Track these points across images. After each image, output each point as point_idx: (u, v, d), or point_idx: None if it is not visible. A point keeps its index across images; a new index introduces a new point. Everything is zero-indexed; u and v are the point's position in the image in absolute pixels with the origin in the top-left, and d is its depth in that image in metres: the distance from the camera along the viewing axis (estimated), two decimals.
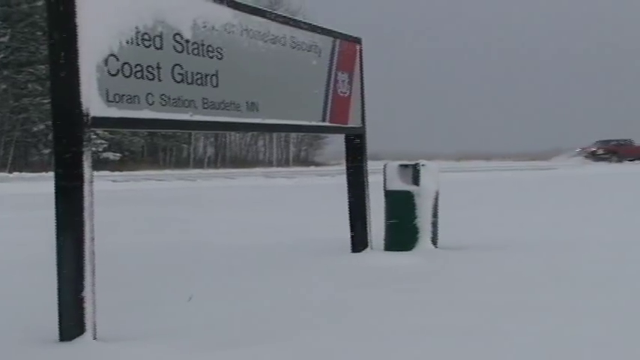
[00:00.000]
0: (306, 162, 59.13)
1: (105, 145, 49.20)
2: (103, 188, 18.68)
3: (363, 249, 7.03)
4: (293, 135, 52.37)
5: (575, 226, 9.44)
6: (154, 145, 56.11)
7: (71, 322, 3.81)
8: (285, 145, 61.13)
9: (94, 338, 3.85)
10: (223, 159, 57.81)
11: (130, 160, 51.07)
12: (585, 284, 5.42)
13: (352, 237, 7.07)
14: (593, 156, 51.46)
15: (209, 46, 5.00)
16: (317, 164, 56.60)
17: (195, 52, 4.88)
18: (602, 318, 4.31)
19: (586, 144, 56.47)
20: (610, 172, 29.90)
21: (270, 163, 57.09)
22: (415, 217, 7.17)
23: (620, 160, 48.98)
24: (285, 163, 58.23)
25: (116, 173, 36.31)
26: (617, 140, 54.09)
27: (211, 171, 43.75)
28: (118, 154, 50.20)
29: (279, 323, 4.33)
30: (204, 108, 4.92)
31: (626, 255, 6.82)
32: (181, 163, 54.86)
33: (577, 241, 7.76)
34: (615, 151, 51.62)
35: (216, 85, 5.03)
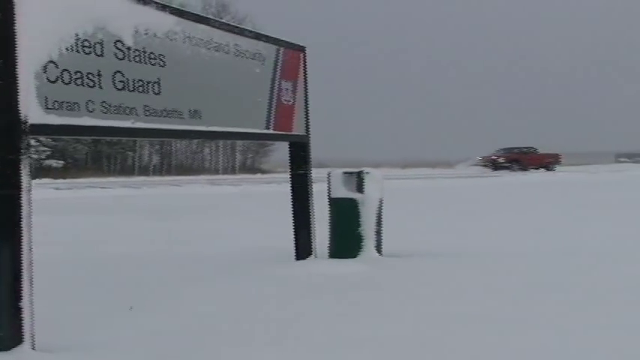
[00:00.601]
0: (252, 169, 58.96)
1: (48, 153, 48.42)
2: (45, 196, 18.40)
3: (307, 257, 7.04)
4: (239, 142, 52.21)
5: (510, 235, 9.61)
6: (97, 153, 55.40)
7: (9, 331, 3.75)
8: (232, 152, 60.86)
9: (33, 348, 3.79)
10: (169, 166, 57.34)
11: (73, 167, 50.33)
12: (518, 294, 5.50)
13: (296, 245, 7.08)
14: (494, 165, 49.45)
15: (151, 53, 4.97)
16: (263, 172, 56.46)
17: (137, 59, 4.84)
18: (528, 328, 4.36)
19: (490, 152, 53.89)
20: (505, 181, 29.85)
21: (216, 171, 56.77)
22: (359, 225, 7.20)
23: (523, 169, 47.56)
24: (232, 170, 57.97)
25: (59, 181, 35.75)
26: (519, 148, 51.91)
27: (156, 178, 43.35)
28: (61, 162, 49.44)
29: (215, 335, 4.29)
30: (146, 115, 4.88)
31: (561, 264, 6.93)
32: (126, 170, 54.24)
33: (513, 251, 7.88)
34: (517, 159, 49.70)
35: (159, 93, 5.00)
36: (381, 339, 4.12)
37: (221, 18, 52.50)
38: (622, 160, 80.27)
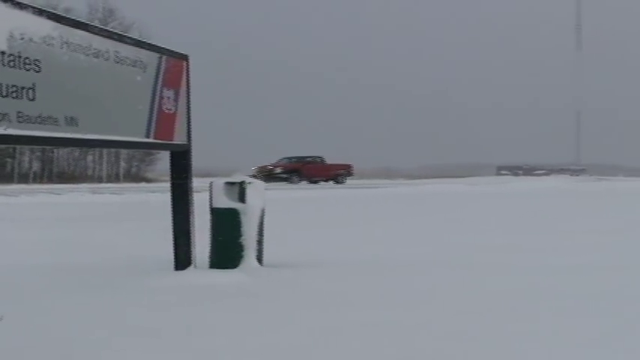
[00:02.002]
0: (137, 178, 57.89)
1: None
2: None
3: (186, 267, 6.98)
4: (124, 150, 51.25)
5: (387, 243, 9.82)
6: None
7: None
8: (116, 160, 59.60)
9: None
10: (50, 174, 55.63)
11: None
12: (400, 302, 5.63)
13: (175, 255, 7.02)
14: (270, 175, 42.05)
15: (26, 58, 4.86)
16: (148, 180, 55.52)
17: (11, 64, 4.73)
18: (408, 337, 4.47)
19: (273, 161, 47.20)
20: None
21: (99, 179, 55.49)
22: (241, 235, 7.21)
23: (312, 181, 43.64)
24: (116, 178, 56.75)
25: None
26: (302, 157, 46.48)
27: (36, 186, 41.96)
28: None
29: (89, 348, 4.21)
30: (20, 122, 4.76)
31: (448, 274, 7.13)
32: (4, 177, 52.26)
33: (390, 259, 8.06)
34: (298, 169, 44.35)
35: (33, 99, 4.89)
36: (249, 349, 4.14)
37: (108, 24, 51.56)
38: (503, 172, 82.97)
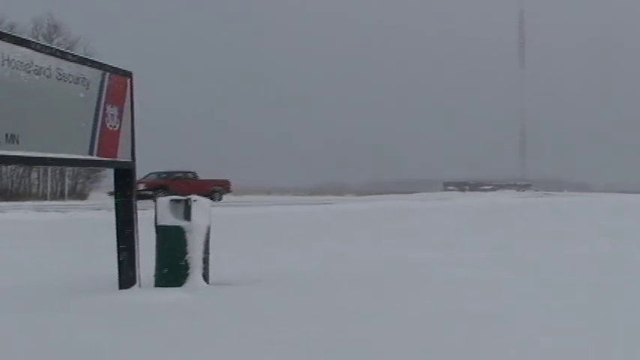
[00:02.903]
0: (82, 195, 57.13)
1: None
2: None
3: (130, 286, 6.91)
4: (69, 167, 50.58)
5: (330, 259, 9.89)
6: None
7: None
8: (61, 177, 58.68)
9: None
10: None
11: None
12: (343, 318, 5.65)
13: (120, 273, 6.93)
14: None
15: None
16: (94, 197, 54.86)
17: None
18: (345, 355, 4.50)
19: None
20: None
21: (44, 197, 54.61)
22: (186, 253, 7.15)
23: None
24: (61, 196, 55.91)
25: None
26: (171, 172, 42.77)
27: None
28: None
29: None
30: None
31: (376, 290, 7.18)
32: None
33: (327, 276, 8.10)
34: (164, 185, 39.99)
35: None
36: None
37: (52, 39, 50.91)
38: (450, 188, 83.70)
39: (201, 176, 43.87)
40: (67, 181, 59.04)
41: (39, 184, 58.85)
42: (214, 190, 41.50)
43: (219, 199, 40.30)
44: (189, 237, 7.17)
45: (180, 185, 39.31)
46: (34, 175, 58.57)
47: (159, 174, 42.18)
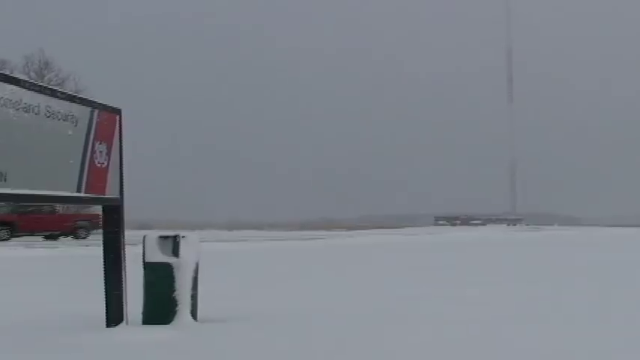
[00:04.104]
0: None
1: None
2: None
3: (118, 323, 6.86)
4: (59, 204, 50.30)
5: (310, 296, 9.87)
6: None
7: None
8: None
9: None
10: None
11: None
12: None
13: (107, 311, 6.89)
14: None
15: None
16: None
17: None
18: None
19: None
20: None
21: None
22: (174, 290, 7.11)
23: (44, 235, 34.21)
24: None
25: None
26: (27, 207, 34.27)
27: None
28: None
29: None
30: None
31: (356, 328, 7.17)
32: None
33: (317, 314, 8.08)
34: (10, 221, 33.72)
35: None
36: None
37: (44, 76, 51.01)
38: (441, 222, 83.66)
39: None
40: None
41: None
42: (79, 226, 35.67)
43: (85, 237, 34.47)
44: (177, 274, 7.14)
45: (30, 221, 33.88)
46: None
47: (11, 207, 34.70)
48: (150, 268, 7.19)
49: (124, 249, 7.03)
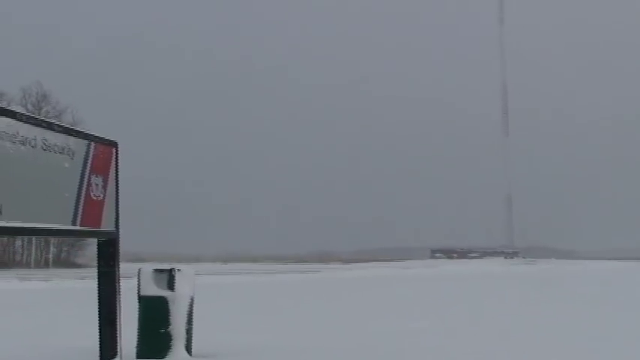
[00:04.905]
0: (67, 263, 56.70)
1: None
2: None
3: (112, 358, 6.79)
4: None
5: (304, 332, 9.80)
6: None
7: None
8: (46, 245, 58.30)
9: None
10: None
11: None
12: None
13: (101, 345, 6.81)
14: None
15: None
16: (79, 266, 54.46)
17: None
18: None
19: None
20: None
21: (28, 265, 54.14)
22: (169, 324, 7.06)
23: None
24: (45, 264, 55.44)
25: None
26: None
27: None
28: None
29: None
30: None
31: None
32: None
33: (310, 349, 8.01)
34: None
35: None
36: None
37: (41, 108, 51.17)
38: (437, 255, 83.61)
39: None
40: (52, 249, 58.62)
41: (23, 253, 58.40)
42: None
43: None
44: (172, 307, 7.09)
45: None
46: (18, 243, 58.16)
47: None
48: (145, 301, 7.15)
49: (119, 282, 6.98)
